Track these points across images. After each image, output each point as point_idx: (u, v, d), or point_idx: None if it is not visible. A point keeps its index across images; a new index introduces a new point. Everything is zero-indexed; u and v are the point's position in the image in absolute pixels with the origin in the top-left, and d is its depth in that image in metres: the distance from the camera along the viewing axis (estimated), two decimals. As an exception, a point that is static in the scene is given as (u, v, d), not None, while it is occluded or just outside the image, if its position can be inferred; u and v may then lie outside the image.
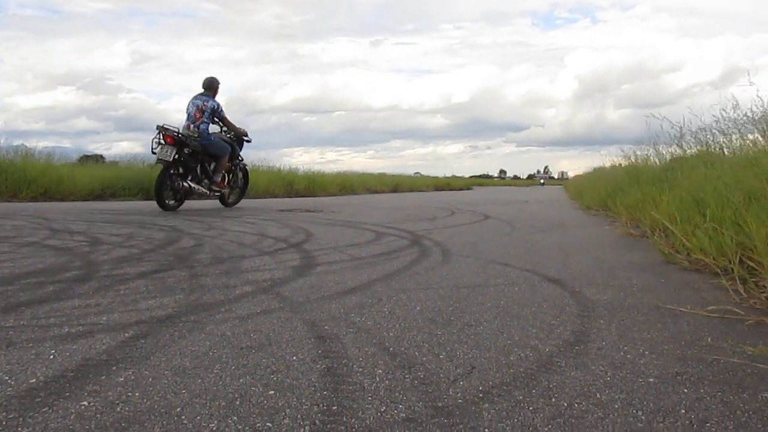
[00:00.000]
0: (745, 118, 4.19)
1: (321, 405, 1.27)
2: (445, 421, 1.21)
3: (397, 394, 1.33)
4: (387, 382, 1.40)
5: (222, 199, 7.61)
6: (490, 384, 1.40)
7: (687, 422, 1.22)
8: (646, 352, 1.66)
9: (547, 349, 1.67)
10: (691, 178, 4.42)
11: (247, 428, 1.17)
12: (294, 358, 1.57)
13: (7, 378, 1.40)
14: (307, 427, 1.18)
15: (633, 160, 8.80)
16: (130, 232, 4.55)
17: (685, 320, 2.03)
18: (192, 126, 6.69)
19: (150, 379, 1.41)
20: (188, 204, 9.30)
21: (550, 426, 1.19)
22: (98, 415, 1.21)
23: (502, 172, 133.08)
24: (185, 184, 6.66)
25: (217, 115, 6.82)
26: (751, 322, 2.00)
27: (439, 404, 1.28)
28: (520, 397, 1.33)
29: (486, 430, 1.17)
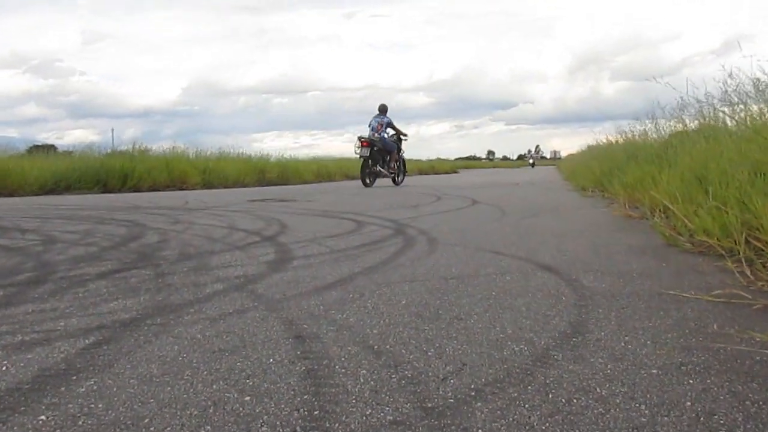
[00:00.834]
0: (749, 87, 4.23)
1: (301, 410, 1.27)
2: (436, 422, 1.21)
3: (383, 396, 1.34)
4: (372, 383, 1.41)
5: (393, 179, 12.30)
6: (482, 381, 1.41)
7: (693, 415, 1.23)
8: (648, 342, 1.68)
9: (542, 342, 1.69)
10: (693, 154, 4.46)
11: (221, 438, 1.17)
12: (271, 360, 1.57)
13: (-45, 393, 1.38)
14: (287, 435, 1.17)
15: (630, 137, 8.89)
16: (88, 229, 4.49)
17: (689, 306, 2.06)
18: (375, 134, 11.68)
19: (114, 389, 1.39)
20: (151, 197, 9.23)
21: (547, 424, 1.20)
22: (58, 430, 1.20)
23: (491, 153, 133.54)
24: (376, 169, 11.68)
25: (390, 126, 11.88)
26: (759, 306, 2.03)
27: (429, 405, 1.29)
28: (515, 395, 1.34)
29: (479, 430, 1.18)
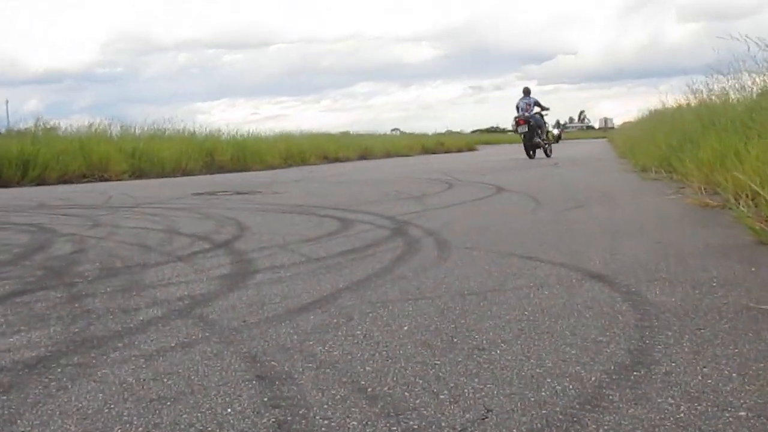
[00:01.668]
0: None
1: (271, 477, 1.27)
2: (452, 489, 1.22)
3: (380, 455, 1.34)
4: (366, 438, 1.41)
5: (546, 151, 17.29)
6: (514, 433, 1.41)
7: (795, 472, 1.24)
8: (734, 375, 1.69)
9: (593, 378, 1.69)
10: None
11: None
12: (229, 410, 1.57)
13: None
14: None
15: (706, 97, 8.90)
16: (-23, 237, 4.48)
17: (787, 325, 2.07)
18: (525, 113, 16.41)
19: (18, 454, 1.39)
20: (62, 192, 9.20)
21: (601, 488, 1.21)
22: None
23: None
24: (536, 140, 16.42)
25: (536, 105, 16.87)
26: None
27: (443, 466, 1.29)
28: (558, 450, 1.34)
29: (511, 499, 1.19)
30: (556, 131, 19.50)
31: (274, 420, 1.51)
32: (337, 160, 21.34)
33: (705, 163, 5.97)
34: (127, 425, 1.51)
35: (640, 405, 1.53)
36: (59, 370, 1.87)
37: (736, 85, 7.55)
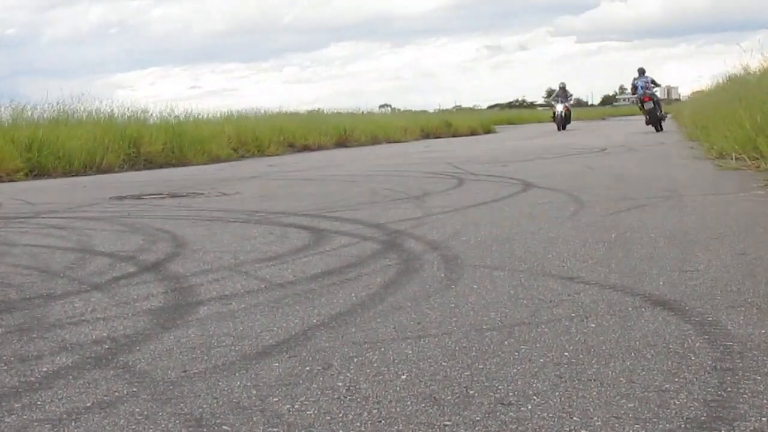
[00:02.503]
0: None
1: None
2: None
3: None
4: None
5: (661, 125, 23.93)
6: None
7: None
8: None
9: (657, 441, 1.70)
10: None
11: None
12: (166, 493, 1.57)
13: None
14: None
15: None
16: None
17: None
18: (646, 91, 24.02)
19: None
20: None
21: None
22: None
23: (553, 94, 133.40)
24: (657, 114, 23.88)
25: (653, 83, 24.75)
26: None
27: None
28: None
29: None
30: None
31: (227, 505, 1.51)
32: (306, 148, 21.32)
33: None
34: None
35: (721, 476, 1.54)
36: (-66, 442, 1.87)
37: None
